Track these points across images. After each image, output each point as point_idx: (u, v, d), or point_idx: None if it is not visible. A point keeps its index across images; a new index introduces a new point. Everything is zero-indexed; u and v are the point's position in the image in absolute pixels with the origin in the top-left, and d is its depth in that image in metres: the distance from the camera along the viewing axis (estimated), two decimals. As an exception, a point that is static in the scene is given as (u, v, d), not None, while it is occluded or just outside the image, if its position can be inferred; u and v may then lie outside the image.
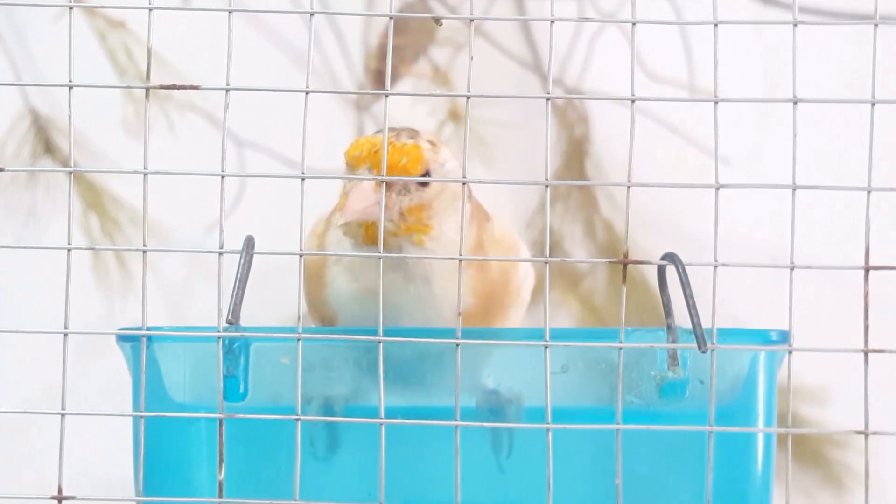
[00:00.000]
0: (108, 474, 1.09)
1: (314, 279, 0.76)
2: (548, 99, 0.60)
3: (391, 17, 0.62)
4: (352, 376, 0.71)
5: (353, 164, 0.73)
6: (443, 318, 0.73)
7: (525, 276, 0.78)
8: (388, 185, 0.72)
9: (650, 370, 0.69)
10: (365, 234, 0.73)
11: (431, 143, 0.74)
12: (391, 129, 0.73)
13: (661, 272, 0.68)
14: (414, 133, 0.74)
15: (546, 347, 0.59)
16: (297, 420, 0.60)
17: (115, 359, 0.72)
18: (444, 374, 0.68)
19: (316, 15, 0.60)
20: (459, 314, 0.60)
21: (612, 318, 1.19)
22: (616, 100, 1.19)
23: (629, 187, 0.60)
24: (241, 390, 0.69)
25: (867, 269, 0.59)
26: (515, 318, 0.77)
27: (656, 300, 0.71)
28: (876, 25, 0.60)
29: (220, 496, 0.61)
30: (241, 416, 0.63)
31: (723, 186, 0.60)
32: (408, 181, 0.73)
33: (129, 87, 1.24)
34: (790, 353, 0.62)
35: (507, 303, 0.77)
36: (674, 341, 0.68)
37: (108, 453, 1.08)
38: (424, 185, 0.73)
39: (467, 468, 0.61)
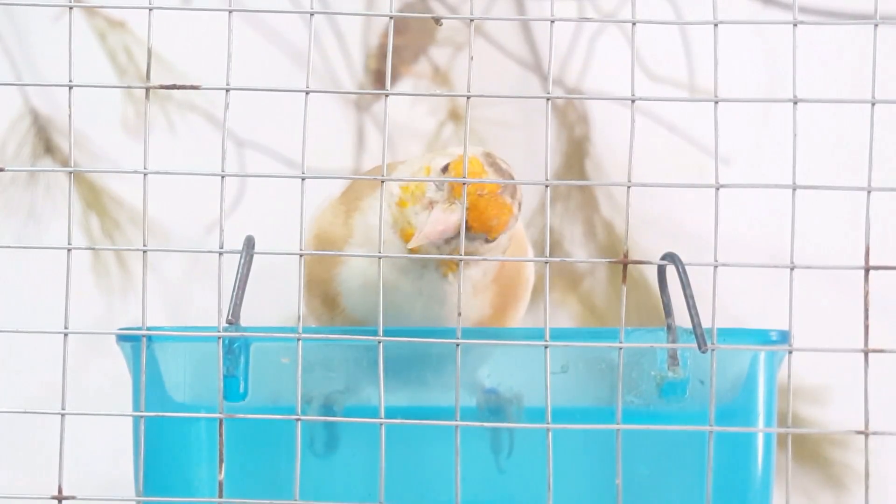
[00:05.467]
0: (108, 474, 1.09)
1: (330, 256, 0.75)
2: (548, 99, 0.60)
3: (391, 17, 0.62)
4: (352, 376, 0.71)
5: (448, 186, 0.71)
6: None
7: (531, 269, 0.78)
8: (468, 229, 0.70)
9: (650, 370, 0.69)
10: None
11: (520, 205, 0.72)
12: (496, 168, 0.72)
13: (661, 272, 0.68)
14: (514, 190, 0.72)
15: (546, 347, 0.59)
16: (297, 420, 0.60)
17: (115, 359, 0.72)
18: (445, 374, 0.68)
19: (316, 15, 0.60)
20: (459, 314, 0.60)
21: (612, 318, 1.19)
22: (616, 100, 1.19)
23: (629, 187, 0.60)
24: (241, 390, 0.69)
25: (867, 269, 0.59)
26: (521, 312, 0.78)
27: (656, 300, 0.71)
28: (876, 25, 0.60)
29: (220, 496, 0.61)
30: (241, 416, 0.63)
31: (723, 186, 0.60)
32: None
33: (129, 87, 1.24)
34: (790, 353, 0.62)
35: (519, 295, 0.77)
36: (674, 341, 0.68)
37: (108, 453, 1.08)
38: (490, 240, 0.72)
39: (467, 468, 0.61)
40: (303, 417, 0.60)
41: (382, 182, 0.61)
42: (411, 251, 0.70)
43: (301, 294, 0.61)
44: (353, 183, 0.79)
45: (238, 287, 0.67)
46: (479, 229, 0.70)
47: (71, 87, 0.61)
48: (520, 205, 0.72)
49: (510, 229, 0.72)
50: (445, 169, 0.72)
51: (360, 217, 0.75)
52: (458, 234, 0.69)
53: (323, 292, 0.75)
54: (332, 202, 0.77)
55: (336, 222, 0.76)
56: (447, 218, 0.70)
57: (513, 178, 0.72)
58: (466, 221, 0.69)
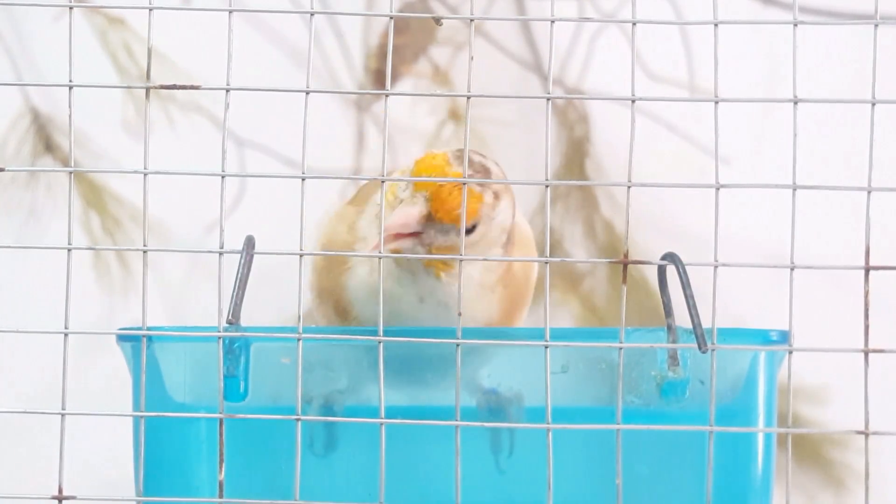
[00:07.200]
0: (108, 474, 1.09)
1: (336, 264, 0.75)
2: (548, 99, 0.60)
3: (391, 17, 0.62)
4: (352, 376, 0.71)
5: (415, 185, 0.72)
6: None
7: (535, 270, 0.78)
8: (432, 221, 0.71)
9: (650, 370, 0.69)
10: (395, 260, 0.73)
11: (496, 194, 0.72)
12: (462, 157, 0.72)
13: (661, 272, 0.68)
14: (486, 173, 0.72)
15: (546, 347, 0.59)
16: (297, 420, 0.60)
17: (115, 359, 0.72)
18: (445, 374, 0.68)
19: (316, 15, 0.60)
20: (459, 314, 0.60)
21: (612, 318, 1.19)
22: (616, 100, 1.20)
23: (629, 187, 0.60)
24: (242, 390, 0.69)
25: (867, 269, 0.59)
26: (524, 314, 0.77)
27: (656, 300, 0.71)
28: (876, 25, 0.60)
29: (221, 496, 0.61)
30: (241, 416, 0.63)
31: (723, 186, 0.60)
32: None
33: (129, 87, 1.24)
34: (790, 353, 0.62)
35: (526, 300, 0.77)
36: (674, 341, 0.68)
37: (108, 453, 1.08)
38: (469, 231, 0.72)
39: (467, 468, 0.61)
40: (303, 417, 0.60)
41: (383, 182, 0.61)
42: (393, 251, 0.71)
43: (301, 294, 0.61)
44: (361, 188, 0.79)
45: (238, 287, 0.67)
46: (445, 218, 0.70)
47: (71, 87, 0.61)
48: (496, 194, 0.72)
49: (485, 220, 0.72)
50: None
51: (365, 219, 0.75)
52: (423, 229, 0.70)
53: (335, 300, 0.75)
54: (342, 207, 0.78)
55: (342, 229, 0.76)
56: (408, 211, 0.70)
57: (491, 172, 0.73)
58: (430, 211, 0.70)
